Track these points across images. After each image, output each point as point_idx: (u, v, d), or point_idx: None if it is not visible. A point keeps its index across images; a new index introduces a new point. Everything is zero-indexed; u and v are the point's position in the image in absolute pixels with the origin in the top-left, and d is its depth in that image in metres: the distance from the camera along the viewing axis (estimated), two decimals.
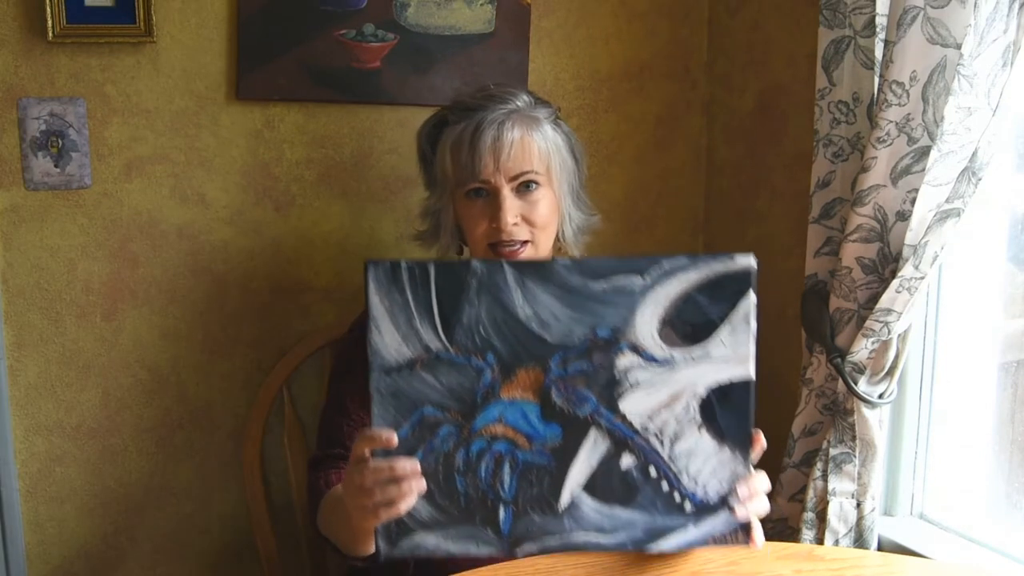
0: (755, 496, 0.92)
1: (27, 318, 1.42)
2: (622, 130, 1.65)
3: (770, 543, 1.13)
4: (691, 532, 0.91)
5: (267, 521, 1.45)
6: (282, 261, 1.52)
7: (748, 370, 0.88)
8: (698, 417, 0.89)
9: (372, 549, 1.06)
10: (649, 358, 0.88)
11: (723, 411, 0.89)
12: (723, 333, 0.88)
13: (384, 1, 1.46)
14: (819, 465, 1.27)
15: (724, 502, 0.91)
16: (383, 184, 1.54)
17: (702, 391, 0.89)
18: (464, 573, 1.02)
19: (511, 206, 1.16)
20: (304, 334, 1.52)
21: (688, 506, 0.90)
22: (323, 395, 1.35)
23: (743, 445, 0.90)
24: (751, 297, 0.87)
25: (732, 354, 0.88)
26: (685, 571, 1.03)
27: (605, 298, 0.87)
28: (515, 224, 1.17)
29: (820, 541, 1.27)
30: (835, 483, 1.26)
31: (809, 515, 1.28)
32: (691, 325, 0.88)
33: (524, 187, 1.17)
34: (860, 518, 1.27)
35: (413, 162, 1.31)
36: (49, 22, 1.32)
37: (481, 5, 1.50)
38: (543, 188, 1.18)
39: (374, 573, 1.22)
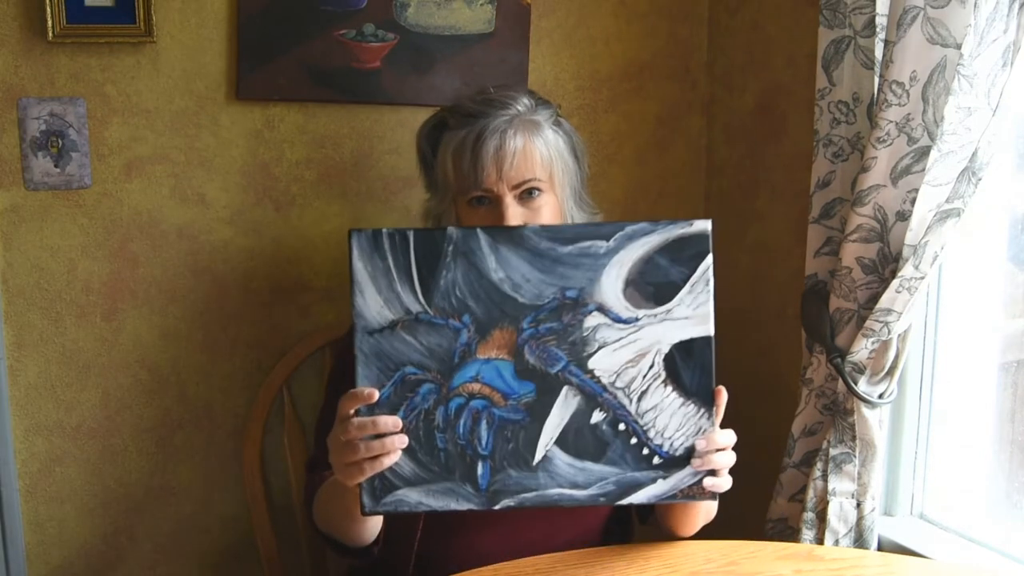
0: (716, 450, 0.95)
1: (27, 318, 1.42)
2: (622, 130, 1.65)
3: (770, 543, 1.13)
4: (660, 486, 0.95)
5: (267, 521, 1.45)
6: (282, 261, 1.52)
7: (709, 328, 0.94)
8: (663, 374, 0.94)
9: (366, 527, 1.07)
10: (615, 318, 0.94)
11: (686, 368, 0.94)
12: (684, 293, 0.93)
13: (384, 1, 1.46)
14: (819, 465, 1.27)
15: (690, 456, 0.95)
16: (383, 184, 1.54)
17: (666, 349, 0.94)
18: (465, 572, 1.03)
19: (514, 214, 1.15)
20: (304, 334, 1.52)
21: (656, 460, 0.95)
22: (322, 395, 1.34)
23: (706, 401, 0.95)
24: (709, 259, 0.93)
25: (693, 313, 0.94)
26: (685, 571, 1.03)
27: (573, 261, 0.93)
28: None
29: (820, 541, 1.27)
30: (835, 483, 1.26)
31: (809, 515, 1.28)
32: (654, 286, 0.93)
33: (527, 194, 1.16)
34: (860, 518, 1.27)
35: (413, 162, 1.31)
36: (49, 22, 1.32)
37: (481, 5, 1.50)
38: (546, 194, 1.17)
39: (374, 573, 1.22)
